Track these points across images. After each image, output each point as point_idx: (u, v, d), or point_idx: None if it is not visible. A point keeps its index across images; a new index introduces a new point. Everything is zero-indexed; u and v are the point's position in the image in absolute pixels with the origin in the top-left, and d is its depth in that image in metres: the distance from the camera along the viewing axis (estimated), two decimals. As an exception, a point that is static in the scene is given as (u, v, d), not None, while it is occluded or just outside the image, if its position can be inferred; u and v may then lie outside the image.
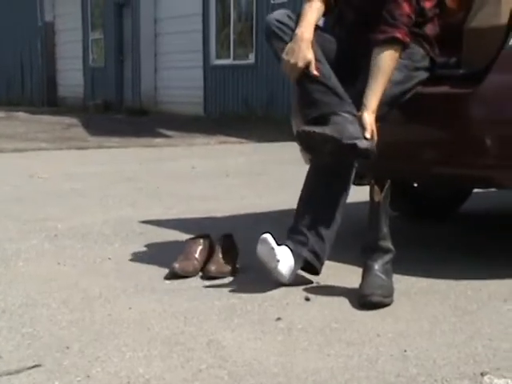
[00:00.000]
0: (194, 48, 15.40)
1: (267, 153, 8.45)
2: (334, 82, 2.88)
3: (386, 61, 2.84)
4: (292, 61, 2.84)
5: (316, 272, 2.90)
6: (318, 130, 2.75)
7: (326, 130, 2.74)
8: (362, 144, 2.73)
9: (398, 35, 2.85)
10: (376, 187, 2.77)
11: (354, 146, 2.72)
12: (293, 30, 2.88)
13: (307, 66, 2.84)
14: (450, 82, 3.09)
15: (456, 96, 3.03)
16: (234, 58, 14.63)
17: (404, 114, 3.08)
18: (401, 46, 2.88)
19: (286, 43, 2.87)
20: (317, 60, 2.87)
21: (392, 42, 2.85)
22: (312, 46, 2.86)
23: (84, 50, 20.06)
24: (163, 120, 13.60)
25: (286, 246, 2.82)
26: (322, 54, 2.91)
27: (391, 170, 3.25)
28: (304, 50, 2.83)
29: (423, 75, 3.05)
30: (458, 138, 3.04)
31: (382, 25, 2.87)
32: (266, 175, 6.31)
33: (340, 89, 2.88)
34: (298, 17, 2.94)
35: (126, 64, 18.08)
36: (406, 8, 2.88)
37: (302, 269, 2.89)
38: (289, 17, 2.94)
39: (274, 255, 2.76)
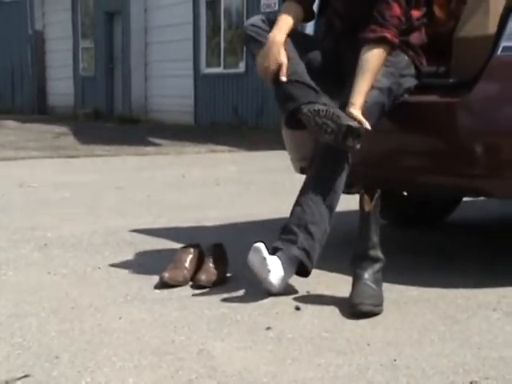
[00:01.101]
0: (184, 57, 15.41)
1: (257, 161, 8.45)
2: (307, 78, 2.93)
3: (374, 60, 2.86)
4: (265, 64, 2.92)
5: (307, 272, 2.87)
6: (321, 107, 2.78)
7: (328, 107, 2.77)
8: (355, 124, 2.76)
9: (388, 35, 2.87)
10: (366, 197, 2.77)
11: (349, 125, 2.74)
12: (268, 32, 2.94)
13: (280, 67, 2.89)
14: (439, 91, 3.11)
15: (445, 105, 3.05)
16: (225, 67, 14.65)
17: (393, 123, 3.09)
18: (389, 46, 2.90)
19: (263, 44, 2.93)
20: (290, 59, 2.92)
21: (381, 42, 2.88)
22: (286, 46, 2.92)
23: (74, 58, 20.04)
24: (154, 128, 13.59)
25: (277, 247, 2.82)
26: (296, 53, 2.96)
27: (380, 179, 3.26)
28: (275, 53, 2.90)
29: (410, 82, 3.07)
30: (447, 147, 3.06)
31: (371, 24, 2.89)
32: (256, 184, 6.31)
33: (315, 85, 2.92)
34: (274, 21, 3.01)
35: (116, 73, 18.06)
36: (397, 10, 2.90)
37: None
38: (263, 21, 3.02)
39: (266, 265, 2.76)
